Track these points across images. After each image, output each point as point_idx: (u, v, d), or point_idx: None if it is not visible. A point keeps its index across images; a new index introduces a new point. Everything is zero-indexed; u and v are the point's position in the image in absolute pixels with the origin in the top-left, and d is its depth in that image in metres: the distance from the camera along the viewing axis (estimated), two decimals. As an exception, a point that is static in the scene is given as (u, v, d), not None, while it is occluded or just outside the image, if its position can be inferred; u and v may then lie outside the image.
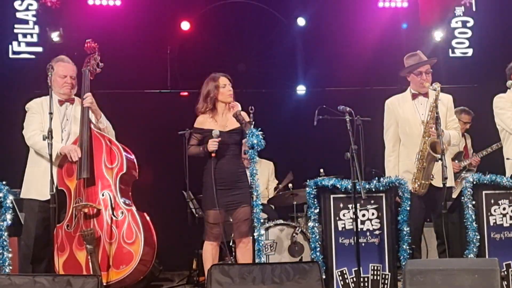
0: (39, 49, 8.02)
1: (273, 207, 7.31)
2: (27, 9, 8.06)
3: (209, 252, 5.36)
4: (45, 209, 5.09)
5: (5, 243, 4.76)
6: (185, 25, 8.60)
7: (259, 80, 8.67)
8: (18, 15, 8.06)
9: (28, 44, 8.05)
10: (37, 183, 5.22)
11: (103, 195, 5.17)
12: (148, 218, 5.30)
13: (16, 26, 8.04)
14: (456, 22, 8.70)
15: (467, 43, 8.65)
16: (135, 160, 5.41)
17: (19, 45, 7.99)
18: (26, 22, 8.08)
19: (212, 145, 5.28)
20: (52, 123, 5.19)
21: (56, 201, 4.86)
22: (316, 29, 8.77)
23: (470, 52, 8.63)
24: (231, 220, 5.47)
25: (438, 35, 8.63)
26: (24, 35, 8.06)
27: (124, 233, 5.08)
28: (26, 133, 5.33)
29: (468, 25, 8.69)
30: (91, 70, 5.41)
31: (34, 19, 8.08)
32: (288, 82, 8.86)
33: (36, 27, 8.07)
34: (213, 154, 5.30)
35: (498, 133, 5.79)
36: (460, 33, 8.70)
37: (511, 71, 5.75)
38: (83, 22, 8.08)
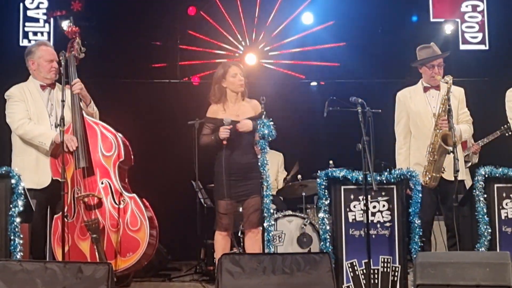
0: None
1: (282, 198, 7.31)
2: (37, 7, 8.09)
3: (220, 242, 5.33)
4: (40, 198, 5.08)
5: (16, 229, 4.74)
6: (193, 12, 8.59)
7: (270, 71, 8.66)
8: (29, 13, 8.09)
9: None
10: (30, 172, 5.11)
11: (102, 183, 5.14)
12: (146, 202, 5.26)
13: (26, 24, 8.06)
14: (467, 16, 8.67)
15: (478, 36, 8.60)
16: (129, 147, 5.34)
17: (29, 42, 7.95)
18: (36, 20, 8.10)
19: (224, 132, 5.20)
20: (38, 109, 5.17)
21: (63, 188, 4.84)
22: (326, 21, 8.74)
23: (481, 45, 8.58)
24: (241, 210, 5.45)
25: (448, 28, 8.59)
26: (35, 33, 8.07)
27: (128, 221, 5.07)
28: (12, 122, 5.20)
29: (479, 18, 8.65)
30: (76, 55, 5.27)
31: (45, 17, 8.08)
32: (299, 74, 8.84)
33: (47, 25, 8.08)
34: (224, 142, 5.21)
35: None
36: (469, 27, 8.66)
37: None
38: (90, 9, 8.08)
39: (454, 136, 5.11)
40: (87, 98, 5.29)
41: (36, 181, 5.12)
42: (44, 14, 8.07)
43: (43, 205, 5.14)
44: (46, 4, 8.07)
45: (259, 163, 5.21)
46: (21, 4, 8.05)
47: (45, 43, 5.39)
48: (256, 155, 5.40)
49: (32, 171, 5.14)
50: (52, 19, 8.08)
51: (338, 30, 8.67)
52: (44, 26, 8.08)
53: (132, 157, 5.38)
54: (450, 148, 5.10)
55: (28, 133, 5.15)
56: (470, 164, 7.14)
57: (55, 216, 5.14)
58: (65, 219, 5.01)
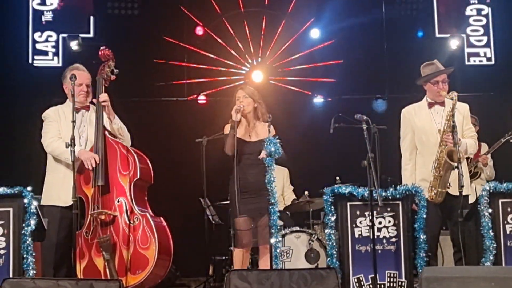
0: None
1: (289, 214, 7.35)
2: (46, 41, 8.27)
3: (239, 258, 5.41)
4: (66, 215, 5.17)
5: (29, 247, 4.84)
6: (201, 31, 8.71)
7: (277, 87, 8.75)
8: (38, 46, 8.28)
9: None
10: (57, 189, 5.27)
11: (118, 201, 5.21)
12: (164, 222, 5.32)
13: (35, 57, 8.27)
14: (472, 30, 8.74)
15: (484, 51, 8.67)
16: (149, 165, 5.42)
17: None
18: (45, 53, 8.28)
19: (236, 109, 5.38)
20: (69, 131, 5.25)
21: (78, 207, 4.93)
22: (331, 37, 8.83)
23: (486, 60, 8.65)
24: (255, 226, 5.50)
25: (454, 43, 8.66)
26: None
27: (139, 238, 5.11)
28: (44, 140, 5.38)
29: (484, 31, 8.73)
30: (105, 77, 5.44)
31: (54, 50, 8.28)
32: (305, 90, 8.92)
33: (56, 58, 8.29)
34: (236, 118, 5.38)
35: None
36: (476, 41, 8.73)
37: None
38: (101, 30, 8.21)
39: (459, 152, 5.15)
40: (111, 113, 5.40)
41: (63, 199, 5.21)
42: (52, 47, 8.28)
43: (69, 221, 5.17)
44: (54, 37, 8.25)
45: (266, 180, 5.28)
46: (30, 38, 8.25)
47: (77, 67, 5.49)
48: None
49: (59, 188, 5.25)
50: (61, 40, 8.25)
51: (343, 47, 8.74)
52: (52, 59, 8.30)
53: (152, 176, 5.44)
54: (455, 164, 5.14)
55: (55, 149, 5.28)
56: (478, 176, 7.16)
57: (77, 232, 5.22)
58: (85, 235, 5.16)
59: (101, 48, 5.53)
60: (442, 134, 5.42)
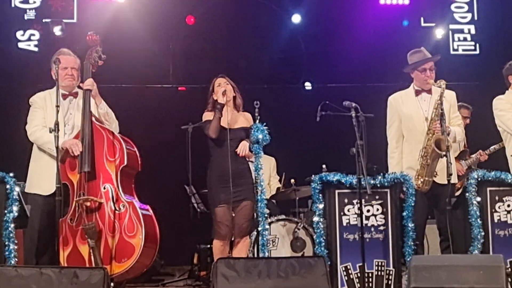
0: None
1: (275, 202, 7.32)
2: (29, 39, 8.17)
3: (219, 249, 5.35)
4: (49, 203, 5.09)
5: (11, 234, 4.79)
6: (189, 20, 8.62)
7: (262, 76, 8.69)
8: (20, 45, 8.16)
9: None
10: (40, 178, 5.20)
11: (104, 188, 5.14)
12: (151, 211, 5.27)
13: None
14: (458, 17, 8.76)
15: (468, 40, 8.68)
16: (137, 153, 5.37)
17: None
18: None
19: (222, 91, 5.37)
20: (55, 117, 5.18)
21: (62, 193, 4.86)
22: (317, 25, 8.79)
23: (471, 49, 8.67)
24: (233, 215, 5.46)
25: (439, 32, 8.66)
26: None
27: (125, 226, 5.05)
28: (28, 128, 5.31)
29: (468, 20, 8.75)
30: (93, 62, 5.37)
31: (36, 49, 8.16)
32: (290, 79, 8.87)
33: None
34: (223, 101, 5.36)
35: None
36: (460, 30, 8.74)
37: (508, 72, 5.78)
38: (87, 17, 8.09)
39: (447, 141, 5.14)
40: (98, 98, 5.35)
41: (45, 187, 5.13)
42: (35, 46, 8.16)
43: (52, 208, 5.10)
44: (37, 36, 8.14)
45: (253, 168, 5.25)
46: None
47: (62, 52, 5.42)
48: (247, 161, 5.46)
49: (41, 176, 5.18)
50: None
51: (329, 34, 8.70)
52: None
53: (139, 163, 5.39)
54: (443, 153, 5.14)
55: (38, 139, 5.22)
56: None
57: (61, 219, 5.15)
58: (70, 222, 5.07)
59: (89, 33, 5.44)
60: (429, 123, 5.41)
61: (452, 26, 8.81)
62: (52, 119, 5.08)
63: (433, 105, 5.43)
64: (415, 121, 5.57)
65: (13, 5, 8.15)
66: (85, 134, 5.18)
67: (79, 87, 5.44)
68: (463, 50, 8.78)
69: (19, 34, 8.09)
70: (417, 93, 5.66)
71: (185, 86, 8.68)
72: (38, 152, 5.30)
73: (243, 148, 5.35)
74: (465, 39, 8.77)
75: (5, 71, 8.02)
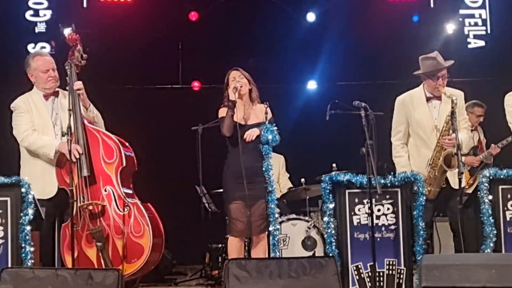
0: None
1: (285, 201, 7.31)
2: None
3: (234, 246, 5.31)
4: (48, 207, 5.13)
5: (27, 237, 4.82)
6: (195, 17, 8.63)
7: (271, 75, 8.68)
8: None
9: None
10: (37, 182, 5.10)
11: (105, 190, 5.15)
12: (152, 207, 5.29)
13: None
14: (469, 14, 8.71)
15: (481, 36, 8.63)
16: (132, 153, 5.34)
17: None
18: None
19: (234, 87, 5.29)
20: (42, 119, 5.18)
21: (74, 196, 4.89)
22: (327, 23, 8.76)
23: (483, 44, 8.61)
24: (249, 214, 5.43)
25: (450, 27, 8.59)
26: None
27: (132, 227, 5.07)
28: (17, 134, 5.23)
29: (482, 16, 8.68)
30: (76, 63, 5.24)
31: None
32: (299, 77, 8.85)
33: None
34: (234, 98, 5.27)
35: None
36: (473, 24, 8.69)
37: None
38: (94, 18, 8.11)
39: (459, 156, 5.04)
40: (86, 101, 5.26)
41: (42, 191, 5.13)
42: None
43: (51, 214, 5.16)
44: (48, 49, 8.05)
45: (263, 168, 5.22)
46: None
47: (39, 53, 5.38)
48: (262, 159, 5.40)
49: (38, 181, 5.13)
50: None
51: (338, 32, 8.67)
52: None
53: (136, 162, 5.38)
54: (451, 170, 5.14)
55: (32, 144, 5.17)
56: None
57: (63, 224, 5.17)
58: (73, 227, 5.03)
59: (67, 32, 5.32)
60: (440, 135, 5.34)
61: (462, 11, 8.72)
62: (39, 122, 5.10)
63: (443, 113, 5.36)
64: (426, 128, 5.47)
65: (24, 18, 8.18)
66: (79, 138, 5.12)
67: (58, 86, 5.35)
68: (474, 45, 8.70)
69: (30, 47, 8.08)
70: (428, 99, 5.56)
71: (195, 85, 8.68)
72: (29, 157, 5.24)
73: (251, 133, 5.28)
74: (475, 24, 8.67)
75: (18, 83, 8.04)
